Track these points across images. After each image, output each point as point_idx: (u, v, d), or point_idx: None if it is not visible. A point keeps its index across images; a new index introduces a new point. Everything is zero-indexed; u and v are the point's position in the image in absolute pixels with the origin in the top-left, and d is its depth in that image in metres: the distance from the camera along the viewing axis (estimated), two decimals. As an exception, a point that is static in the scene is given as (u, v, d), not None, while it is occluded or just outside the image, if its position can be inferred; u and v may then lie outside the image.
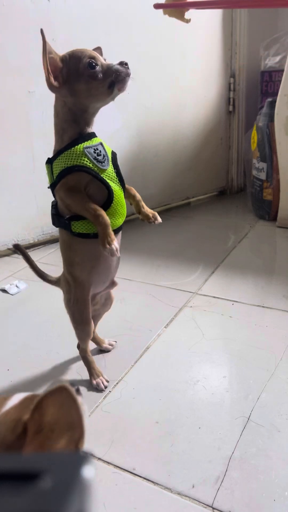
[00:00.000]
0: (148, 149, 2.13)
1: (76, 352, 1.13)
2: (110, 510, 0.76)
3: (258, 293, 1.44)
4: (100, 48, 0.91)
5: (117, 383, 1.06)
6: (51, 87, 0.82)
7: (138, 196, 0.98)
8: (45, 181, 1.97)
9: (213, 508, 0.74)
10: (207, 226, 2.13)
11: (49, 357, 1.16)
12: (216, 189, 2.55)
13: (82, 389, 1.01)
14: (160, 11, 1.06)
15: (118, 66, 0.83)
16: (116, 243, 0.86)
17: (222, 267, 1.65)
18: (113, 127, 2.00)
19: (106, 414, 0.97)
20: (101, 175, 0.87)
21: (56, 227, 0.96)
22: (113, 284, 1.06)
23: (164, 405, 0.98)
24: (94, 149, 0.88)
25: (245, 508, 0.74)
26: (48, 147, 1.82)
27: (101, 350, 1.19)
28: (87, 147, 0.86)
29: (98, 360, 1.15)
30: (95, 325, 1.11)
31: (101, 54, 0.89)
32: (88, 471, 0.23)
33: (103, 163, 0.88)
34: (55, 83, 0.81)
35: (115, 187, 0.90)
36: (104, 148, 0.91)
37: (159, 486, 0.79)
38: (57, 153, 0.87)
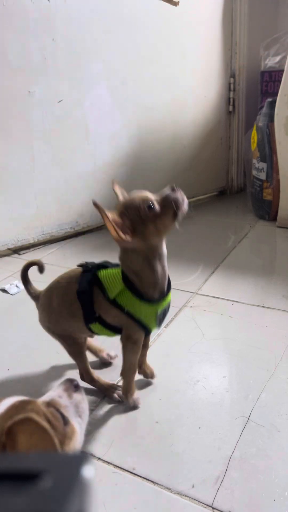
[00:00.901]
0: (148, 149, 2.13)
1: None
2: (110, 510, 0.76)
3: (258, 293, 1.44)
4: (115, 181, 0.92)
5: (117, 383, 1.06)
6: (124, 242, 0.82)
7: (146, 351, 1.05)
8: (45, 181, 1.97)
9: (213, 508, 0.74)
10: (207, 226, 2.13)
11: (49, 357, 1.16)
12: (216, 189, 2.55)
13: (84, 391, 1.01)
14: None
15: (172, 194, 0.83)
16: (135, 395, 0.98)
17: (222, 267, 1.65)
18: (113, 127, 2.00)
19: (106, 414, 0.97)
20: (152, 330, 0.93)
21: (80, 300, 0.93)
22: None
23: (164, 405, 0.98)
24: (164, 311, 0.91)
25: (245, 508, 0.74)
26: (48, 148, 1.84)
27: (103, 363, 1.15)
28: (159, 315, 0.90)
29: (96, 361, 1.15)
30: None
31: (120, 187, 0.91)
32: (88, 471, 0.23)
33: (161, 323, 0.93)
34: (127, 238, 0.81)
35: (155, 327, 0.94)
36: (169, 306, 0.93)
37: (159, 486, 0.79)
38: (138, 292, 0.87)
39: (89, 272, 0.92)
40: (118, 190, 0.90)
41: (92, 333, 0.95)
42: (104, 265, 0.93)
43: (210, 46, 2.22)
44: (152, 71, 2.03)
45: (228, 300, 1.41)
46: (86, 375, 1.03)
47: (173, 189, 0.84)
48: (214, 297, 1.43)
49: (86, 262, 0.96)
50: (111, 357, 1.14)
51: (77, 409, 0.58)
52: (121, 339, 0.93)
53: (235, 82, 2.35)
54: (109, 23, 1.85)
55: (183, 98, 2.18)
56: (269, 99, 1.99)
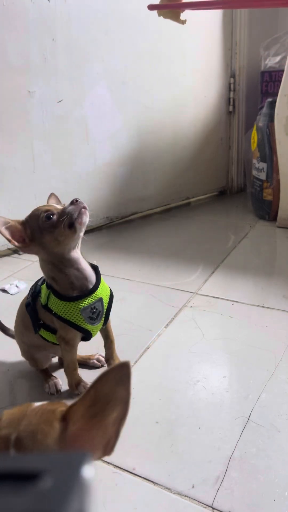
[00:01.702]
0: (148, 149, 2.13)
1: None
2: (110, 510, 0.76)
3: (258, 293, 1.44)
4: (53, 194, 1.02)
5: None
6: (19, 248, 0.89)
7: (112, 339, 1.07)
8: (45, 181, 1.98)
9: (213, 508, 0.74)
10: (207, 226, 2.13)
11: (49, 357, 1.16)
12: (216, 189, 2.55)
13: (81, 391, 1.01)
14: (155, 12, 1.05)
15: (70, 207, 0.88)
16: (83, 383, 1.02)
17: (222, 267, 1.65)
18: (113, 127, 2.00)
19: (106, 414, 0.97)
20: (88, 329, 0.95)
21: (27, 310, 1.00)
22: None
23: (164, 405, 0.98)
24: (91, 307, 0.93)
25: (245, 508, 0.74)
26: (48, 147, 1.84)
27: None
28: (84, 309, 0.92)
29: (96, 362, 1.15)
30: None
31: (57, 200, 0.99)
32: (88, 471, 0.23)
33: (95, 320, 0.94)
34: (18, 244, 0.88)
35: (96, 328, 0.98)
36: (102, 304, 0.95)
37: (159, 486, 0.79)
38: (58, 293, 0.92)
39: (36, 284, 1.00)
40: (54, 201, 0.99)
41: (47, 341, 1.00)
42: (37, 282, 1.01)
43: (210, 46, 2.22)
44: (152, 71, 2.03)
45: (228, 300, 1.41)
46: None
47: (72, 202, 0.89)
48: (214, 297, 1.43)
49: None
50: (101, 361, 1.13)
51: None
52: (57, 340, 0.98)
53: (235, 82, 2.35)
54: (109, 23, 1.85)
55: (183, 98, 2.18)
56: (269, 99, 1.99)
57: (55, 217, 0.87)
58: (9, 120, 1.73)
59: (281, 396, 0.99)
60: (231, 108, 2.39)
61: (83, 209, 0.87)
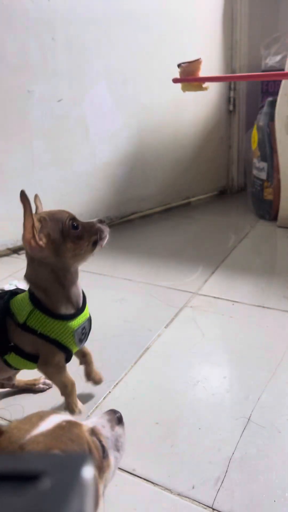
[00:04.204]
0: (148, 149, 2.13)
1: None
2: (110, 510, 0.75)
3: (259, 294, 1.44)
4: (37, 196, 0.96)
5: (117, 383, 1.06)
6: (35, 247, 0.77)
7: (91, 359, 0.99)
8: (45, 181, 1.98)
9: (213, 509, 0.74)
10: (207, 226, 2.13)
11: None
12: (216, 189, 2.55)
13: (81, 391, 1.01)
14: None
15: (100, 225, 0.84)
16: (81, 405, 0.93)
17: (222, 267, 1.64)
18: (113, 127, 2.00)
19: (106, 414, 0.97)
20: (73, 351, 0.88)
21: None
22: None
23: (164, 406, 0.98)
24: (82, 328, 0.86)
25: (245, 509, 0.74)
26: (48, 147, 1.84)
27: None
28: (76, 330, 0.84)
29: (96, 361, 1.14)
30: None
31: (40, 202, 0.93)
32: (88, 472, 0.23)
33: (82, 342, 0.88)
34: (40, 243, 0.77)
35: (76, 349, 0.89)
36: (90, 323, 0.89)
37: (159, 487, 0.79)
38: (48, 311, 0.82)
39: (1, 300, 0.87)
40: (38, 203, 0.92)
41: (9, 367, 0.88)
42: (16, 292, 0.89)
43: (210, 46, 2.22)
44: (152, 70, 2.02)
45: (228, 300, 1.41)
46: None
47: (101, 221, 0.86)
48: (214, 297, 1.43)
49: (2, 290, 0.93)
50: (48, 385, 1.06)
51: (117, 443, 0.56)
52: (39, 367, 0.87)
53: (236, 82, 2.35)
54: (109, 23, 1.85)
55: (183, 98, 2.17)
56: (270, 99, 1.99)
57: (80, 228, 0.82)
58: (9, 119, 1.73)
59: (282, 396, 0.98)
60: (231, 107, 2.39)
61: (108, 233, 0.85)
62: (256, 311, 1.34)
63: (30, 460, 0.26)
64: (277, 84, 2.14)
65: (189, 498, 0.76)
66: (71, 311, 0.84)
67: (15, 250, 1.88)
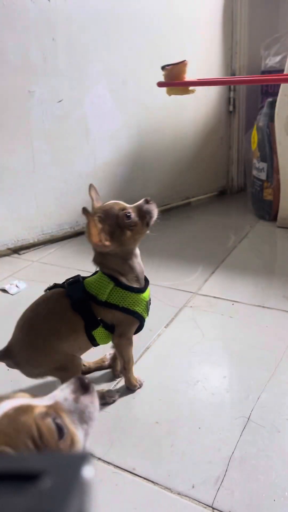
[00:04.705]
0: (148, 149, 2.13)
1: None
2: (110, 510, 0.75)
3: (258, 293, 1.44)
4: (93, 185, 1.02)
5: (117, 383, 1.06)
6: (103, 247, 0.89)
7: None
8: (45, 181, 1.98)
9: (213, 508, 0.74)
10: (207, 226, 2.13)
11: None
12: (216, 189, 2.55)
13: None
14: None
15: (147, 206, 0.92)
16: (139, 378, 1.04)
17: (222, 267, 1.65)
18: (113, 127, 2.00)
19: (106, 414, 0.97)
20: (144, 318, 0.98)
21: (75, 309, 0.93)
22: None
23: (164, 405, 0.98)
24: (149, 300, 0.98)
25: (245, 509, 0.74)
26: (48, 147, 1.84)
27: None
28: (148, 301, 0.97)
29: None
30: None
31: (96, 192, 1.00)
32: (88, 471, 0.23)
33: (148, 312, 0.98)
34: (107, 243, 0.89)
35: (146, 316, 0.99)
36: (149, 297, 1.00)
37: (159, 486, 0.79)
38: (126, 286, 0.93)
39: (77, 283, 0.96)
40: (94, 195, 0.99)
41: (93, 343, 0.96)
42: (78, 279, 0.97)
43: (210, 46, 2.22)
44: (152, 71, 2.02)
45: (228, 300, 1.41)
46: None
47: (147, 201, 0.93)
48: (214, 297, 1.43)
49: (55, 284, 0.99)
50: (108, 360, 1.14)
51: (83, 415, 0.52)
52: (114, 339, 0.98)
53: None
54: (109, 23, 1.85)
55: (183, 98, 2.18)
56: (270, 99, 1.99)
57: (133, 215, 0.90)
58: (9, 119, 1.73)
59: (282, 396, 0.99)
60: (231, 108, 2.39)
61: (156, 210, 0.93)
62: (256, 311, 1.34)
63: (30, 459, 0.26)
64: (277, 85, 2.14)
65: (189, 497, 0.76)
66: (141, 284, 0.96)
67: (16, 250, 1.88)
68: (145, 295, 0.96)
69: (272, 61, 2.24)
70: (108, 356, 1.12)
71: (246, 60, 2.33)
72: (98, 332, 0.95)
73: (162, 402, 0.99)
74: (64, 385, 0.54)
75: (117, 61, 1.92)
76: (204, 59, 2.21)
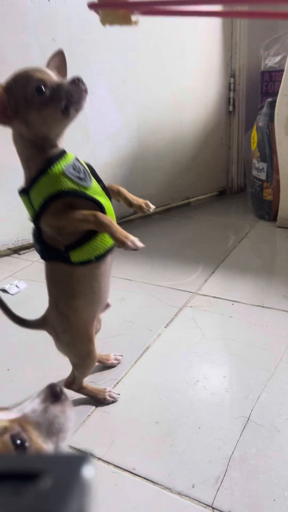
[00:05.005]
0: (148, 149, 2.13)
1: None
2: (110, 510, 0.76)
3: (258, 293, 1.44)
4: (61, 52, 0.81)
5: (117, 383, 1.06)
6: (2, 120, 0.73)
7: (123, 189, 0.90)
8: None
9: (213, 508, 0.74)
10: (207, 226, 2.13)
11: (49, 357, 1.15)
12: (216, 189, 2.55)
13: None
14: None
15: (70, 86, 0.72)
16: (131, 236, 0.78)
17: (222, 267, 1.65)
18: (113, 127, 2.00)
19: (106, 414, 0.97)
20: (89, 193, 0.78)
21: (47, 260, 0.86)
22: (107, 306, 0.98)
23: (164, 405, 0.98)
24: (73, 167, 0.78)
25: (245, 508, 0.74)
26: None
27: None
28: (66, 168, 0.76)
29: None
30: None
31: (63, 60, 0.81)
32: (88, 471, 0.23)
33: (86, 180, 0.79)
34: (4, 118, 0.73)
35: (104, 201, 0.81)
36: (80, 163, 0.81)
37: (159, 486, 0.79)
38: (32, 180, 0.78)
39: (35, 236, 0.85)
40: (52, 61, 0.83)
41: (87, 264, 0.83)
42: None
43: (210, 46, 2.22)
44: (152, 71, 2.03)
45: (228, 300, 1.41)
46: (76, 383, 0.98)
47: (74, 81, 0.71)
48: (214, 297, 1.43)
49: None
50: (118, 359, 1.13)
51: (52, 427, 0.49)
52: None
53: (235, 82, 2.35)
54: (109, 23, 1.85)
55: (183, 98, 2.18)
56: (269, 99, 1.99)
57: (47, 91, 0.71)
58: (9, 120, 1.73)
59: (281, 396, 0.99)
60: (231, 108, 2.39)
61: (84, 93, 0.72)
62: (256, 310, 1.34)
63: (30, 459, 0.26)
64: (276, 85, 2.14)
65: (189, 497, 0.76)
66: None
67: (16, 250, 1.88)
68: (58, 166, 0.76)
69: (271, 61, 2.24)
70: (113, 356, 1.12)
71: (245, 60, 2.33)
72: (76, 254, 0.81)
73: (162, 402, 0.99)
74: (35, 394, 0.51)
75: (117, 61, 1.92)
76: (204, 59, 2.21)
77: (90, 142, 1.95)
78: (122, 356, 1.14)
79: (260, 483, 0.78)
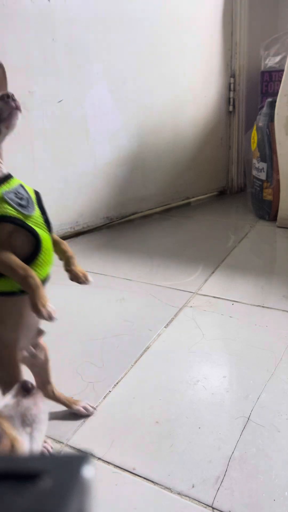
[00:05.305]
0: (148, 149, 2.13)
1: (76, 351, 1.13)
2: (110, 510, 0.76)
3: (258, 293, 1.44)
4: (0, 66, 0.78)
5: (117, 383, 1.06)
6: None
7: (70, 252, 0.84)
8: (45, 181, 1.98)
9: (213, 508, 0.74)
10: (207, 226, 2.13)
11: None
12: (216, 189, 2.56)
13: (81, 390, 1.01)
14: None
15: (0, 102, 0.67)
16: (50, 304, 0.70)
17: (222, 267, 1.65)
18: (113, 127, 2.00)
19: (106, 414, 0.97)
20: (27, 223, 0.73)
21: None
22: (39, 333, 0.88)
23: (164, 405, 0.98)
24: (15, 193, 0.74)
25: (245, 508, 0.74)
26: (48, 147, 1.84)
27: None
28: (7, 193, 0.72)
29: (96, 361, 1.15)
30: (48, 382, 0.93)
31: (2, 73, 0.77)
32: (88, 471, 0.23)
33: (28, 208, 0.74)
34: None
35: (43, 234, 0.76)
36: (25, 190, 0.77)
37: (159, 486, 0.79)
38: None
39: None
40: None
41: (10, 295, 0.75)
42: None
43: (210, 46, 2.22)
44: (152, 71, 2.03)
45: (228, 300, 1.41)
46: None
47: (3, 97, 0.70)
48: (214, 297, 1.43)
49: None
50: (87, 409, 0.96)
51: (25, 418, 0.51)
52: None
53: (235, 82, 2.35)
54: (109, 23, 1.85)
55: (183, 98, 2.18)
56: (269, 99, 1.99)
57: None
58: (9, 120, 1.73)
59: (281, 396, 0.99)
60: (231, 108, 2.40)
61: (15, 110, 0.71)
62: (256, 310, 1.34)
63: (30, 459, 0.26)
64: (276, 85, 2.14)
65: (189, 497, 0.76)
66: None
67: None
68: (2, 187, 0.73)
69: (271, 61, 2.24)
70: (83, 404, 0.96)
71: (245, 60, 2.33)
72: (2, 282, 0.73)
73: (162, 402, 0.99)
74: (8, 394, 0.54)
75: (117, 61, 1.92)
76: (204, 59, 2.21)
77: (90, 142, 1.95)
78: (95, 409, 0.97)
79: (260, 483, 0.78)
